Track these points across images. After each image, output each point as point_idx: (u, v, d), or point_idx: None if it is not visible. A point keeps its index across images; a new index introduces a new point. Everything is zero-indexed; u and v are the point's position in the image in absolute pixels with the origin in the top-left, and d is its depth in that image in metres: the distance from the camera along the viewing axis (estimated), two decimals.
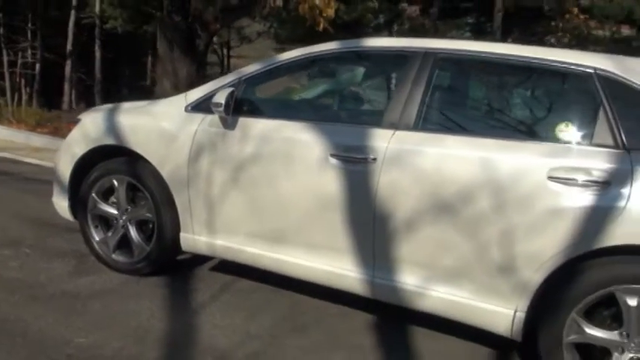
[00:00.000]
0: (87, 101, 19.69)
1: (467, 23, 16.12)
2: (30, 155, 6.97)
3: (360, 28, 18.88)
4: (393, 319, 2.81)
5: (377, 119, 2.53)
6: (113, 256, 3.18)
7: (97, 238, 3.23)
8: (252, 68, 2.87)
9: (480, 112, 2.52)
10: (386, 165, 2.41)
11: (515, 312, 2.27)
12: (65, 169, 3.23)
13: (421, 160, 2.37)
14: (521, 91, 2.54)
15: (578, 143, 2.23)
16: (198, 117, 2.87)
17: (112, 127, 3.07)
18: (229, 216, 2.80)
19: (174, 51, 5.90)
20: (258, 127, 2.72)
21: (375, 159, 2.43)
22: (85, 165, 3.20)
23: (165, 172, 2.91)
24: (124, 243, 3.18)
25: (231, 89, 2.70)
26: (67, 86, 17.07)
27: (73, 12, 16.34)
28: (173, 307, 2.83)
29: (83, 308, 2.72)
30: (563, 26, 11.42)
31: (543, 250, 2.17)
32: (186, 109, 2.93)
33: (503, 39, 11.23)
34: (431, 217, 2.35)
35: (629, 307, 2.08)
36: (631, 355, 2.12)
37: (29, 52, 19.28)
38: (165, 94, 6.35)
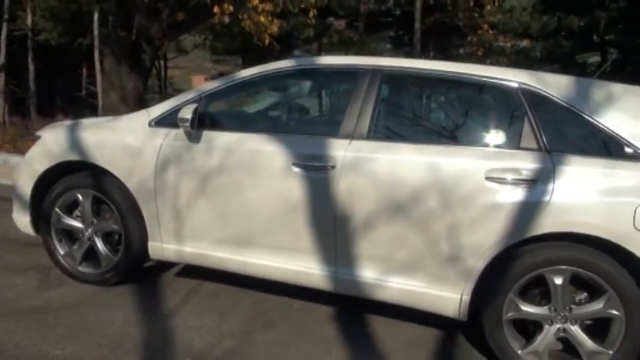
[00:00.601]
0: (22, 114, 18.45)
1: (389, 36, 16.66)
2: None
3: (290, 40, 19.01)
4: (352, 310, 2.91)
5: (333, 130, 2.61)
6: (80, 268, 3.07)
7: (62, 252, 3.10)
8: (212, 85, 2.88)
9: (425, 121, 2.68)
10: (344, 171, 2.50)
11: (462, 296, 2.43)
12: (26, 186, 3.08)
13: (375, 165, 2.48)
14: (459, 103, 2.71)
15: (509, 147, 2.42)
16: (163, 131, 2.84)
17: (75, 143, 2.96)
18: (197, 223, 2.78)
19: (121, 65, 5.70)
20: (222, 139, 2.73)
21: (334, 166, 2.52)
22: (47, 181, 3.06)
23: (131, 184, 2.85)
24: (90, 255, 3.08)
25: (195, 105, 2.69)
26: (0, 99, 15.87)
27: (4, 25, 15.22)
28: (145, 313, 2.78)
29: (56, 321, 2.61)
30: (477, 40, 12.13)
31: (484, 240, 2.35)
32: (149, 124, 2.89)
33: (423, 51, 11.77)
34: (386, 216, 2.47)
35: (555, 285, 2.30)
36: (558, 325, 2.34)
37: None
38: (113, 107, 6.15)
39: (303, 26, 14.07)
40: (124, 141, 2.88)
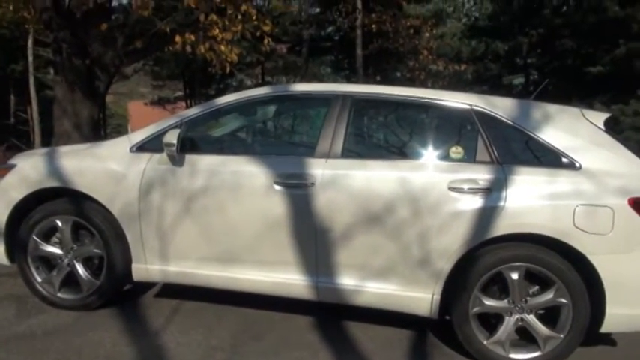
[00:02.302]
0: None
1: (330, 61, 17.22)
2: None
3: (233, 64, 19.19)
4: (330, 317, 3.11)
5: (310, 151, 2.85)
6: (59, 294, 3.08)
7: (40, 279, 3.11)
8: (192, 111, 3.04)
9: (392, 140, 2.96)
10: (323, 187, 2.74)
11: (433, 296, 2.71)
12: (1, 215, 3.07)
13: (351, 181, 2.74)
14: (421, 123, 3.03)
15: (467, 161, 2.75)
16: (145, 156, 2.96)
17: (55, 171, 3.01)
18: (182, 243, 2.90)
19: (75, 93, 5.66)
20: (205, 162, 2.89)
21: (313, 184, 2.75)
22: (21, 209, 3.08)
23: (115, 209, 2.93)
24: (68, 280, 3.10)
25: (177, 130, 2.84)
26: None
27: None
28: (133, 333, 2.85)
29: (45, 346, 2.63)
30: (418, 65, 12.91)
31: (450, 244, 2.64)
32: (131, 150, 3.00)
33: (365, 75, 12.37)
34: (362, 226, 2.72)
35: (512, 280, 2.63)
36: (517, 316, 2.66)
37: None
38: (66, 134, 6.07)
39: (247, 51, 14.31)
40: (106, 167, 2.97)
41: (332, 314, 3.11)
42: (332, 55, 18.76)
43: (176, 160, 2.89)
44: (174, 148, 2.78)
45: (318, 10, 16.16)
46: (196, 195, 2.85)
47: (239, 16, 5.47)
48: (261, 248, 2.84)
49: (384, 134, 2.96)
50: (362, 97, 2.93)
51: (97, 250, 3.02)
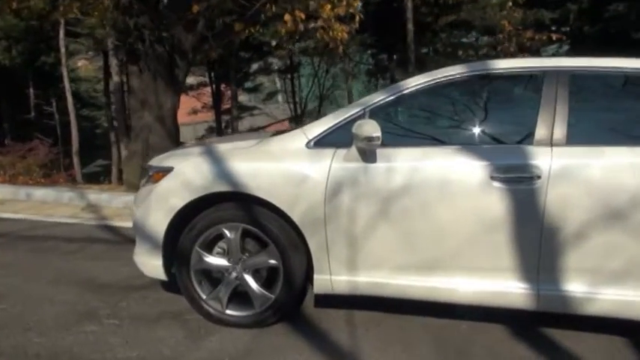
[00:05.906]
0: None
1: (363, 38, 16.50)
2: None
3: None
4: (525, 327, 2.73)
5: (527, 138, 2.44)
6: (227, 311, 2.73)
7: (204, 296, 2.75)
8: (377, 97, 2.63)
9: (631, 122, 2.49)
10: (552, 181, 2.33)
11: None
12: (159, 224, 2.71)
13: (587, 172, 2.33)
14: None
15: None
16: (327, 152, 2.56)
17: (223, 173, 2.62)
18: (375, 251, 2.53)
19: (157, 83, 5.26)
20: (403, 156, 2.49)
21: (539, 176, 2.34)
22: (182, 217, 2.71)
23: (296, 214, 2.55)
24: (232, 295, 2.75)
25: (373, 121, 2.44)
26: None
27: None
28: (326, 354, 2.49)
29: None
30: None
31: None
32: (307, 146, 2.60)
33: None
34: (600, 225, 2.32)
35: None
36: None
37: None
38: (148, 127, 5.68)
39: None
40: (282, 167, 2.58)
41: (524, 324, 2.72)
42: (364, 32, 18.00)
43: (367, 156, 2.49)
44: (378, 142, 2.38)
45: None
46: (395, 195, 2.46)
47: None
48: (473, 254, 2.45)
49: (617, 115, 2.51)
50: (584, 72, 2.49)
51: (272, 261, 2.65)
